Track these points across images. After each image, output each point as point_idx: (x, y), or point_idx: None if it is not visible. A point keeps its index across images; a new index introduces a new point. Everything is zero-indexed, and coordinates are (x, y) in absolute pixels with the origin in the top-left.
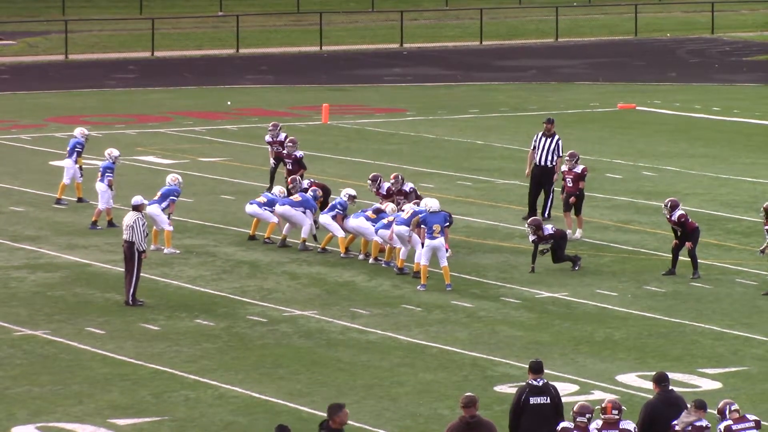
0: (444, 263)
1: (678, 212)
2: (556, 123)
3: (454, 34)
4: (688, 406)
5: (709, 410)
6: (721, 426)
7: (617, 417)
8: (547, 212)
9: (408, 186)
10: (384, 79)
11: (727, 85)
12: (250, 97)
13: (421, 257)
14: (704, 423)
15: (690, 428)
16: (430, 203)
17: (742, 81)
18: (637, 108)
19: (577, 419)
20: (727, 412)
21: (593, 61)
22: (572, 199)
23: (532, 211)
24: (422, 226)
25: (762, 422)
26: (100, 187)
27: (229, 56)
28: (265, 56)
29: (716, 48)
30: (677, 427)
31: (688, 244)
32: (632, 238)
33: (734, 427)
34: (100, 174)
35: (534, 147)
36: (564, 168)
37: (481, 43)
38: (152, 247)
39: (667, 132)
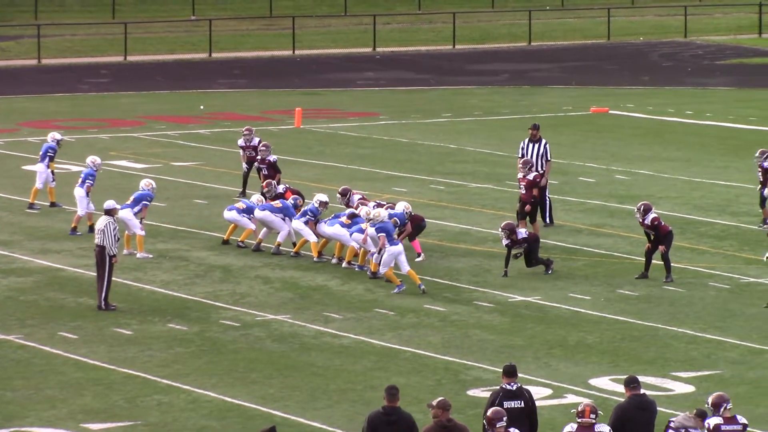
0: (406, 268)
1: (651, 216)
2: (530, 127)
3: (427, 38)
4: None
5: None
6: (710, 422)
7: (593, 420)
8: (548, 218)
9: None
10: (357, 83)
11: (700, 89)
12: (223, 101)
13: (385, 265)
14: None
15: (683, 430)
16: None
17: (714, 85)
18: (610, 112)
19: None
20: (721, 410)
21: (566, 64)
22: (527, 207)
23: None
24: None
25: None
26: (79, 192)
27: (201, 60)
28: (238, 60)
29: (689, 52)
30: (672, 425)
31: (661, 248)
32: (605, 242)
33: (723, 428)
34: (80, 180)
35: (521, 154)
36: (519, 175)
37: (454, 47)
38: (125, 251)
39: (640, 135)
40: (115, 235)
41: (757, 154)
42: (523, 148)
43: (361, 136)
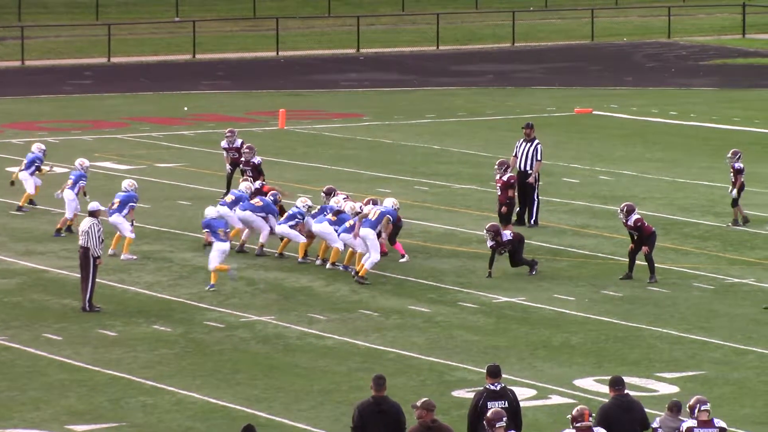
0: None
1: (634, 216)
2: (519, 127)
3: (410, 39)
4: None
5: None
6: (684, 426)
7: (592, 423)
8: (533, 219)
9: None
10: (341, 84)
11: (684, 89)
12: (207, 102)
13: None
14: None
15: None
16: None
17: (698, 85)
18: (593, 112)
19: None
20: (695, 412)
21: (550, 65)
22: (503, 209)
23: (520, 220)
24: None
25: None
26: (69, 195)
27: (185, 62)
28: (222, 62)
29: (673, 52)
30: (660, 430)
31: (644, 249)
32: (589, 243)
33: (696, 431)
34: (71, 182)
35: (515, 154)
36: (496, 176)
37: (437, 48)
38: (110, 251)
39: (624, 136)
40: (99, 237)
41: (729, 155)
42: (517, 147)
43: (345, 137)
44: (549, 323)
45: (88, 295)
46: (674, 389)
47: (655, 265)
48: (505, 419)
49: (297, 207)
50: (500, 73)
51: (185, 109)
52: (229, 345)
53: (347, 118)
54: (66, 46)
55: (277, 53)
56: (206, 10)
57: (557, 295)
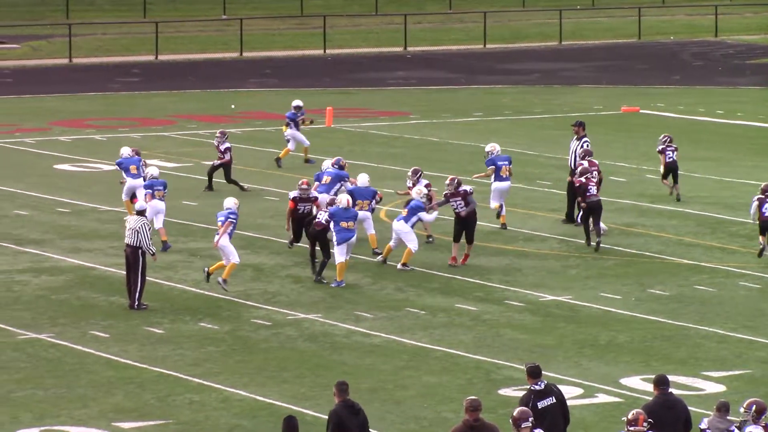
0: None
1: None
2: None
3: (457, 38)
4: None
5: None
6: (750, 430)
7: (646, 428)
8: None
9: (467, 188)
10: (388, 83)
11: (731, 88)
12: (254, 100)
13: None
14: (733, 427)
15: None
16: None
17: (745, 84)
18: (640, 111)
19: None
20: (762, 417)
21: (597, 64)
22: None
23: (569, 218)
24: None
25: None
26: (159, 205)
27: (232, 59)
28: (269, 59)
29: (720, 51)
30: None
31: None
32: (636, 241)
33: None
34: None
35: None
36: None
37: (484, 46)
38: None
39: (671, 135)
40: (149, 235)
41: (662, 138)
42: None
43: (391, 135)
44: (596, 322)
45: (137, 294)
46: (721, 388)
47: (702, 264)
48: (531, 419)
49: (416, 199)
50: (547, 72)
51: (232, 107)
52: (275, 343)
53: (394, 116)
54: (113, 43)
55: (324, 51)
56: (253, 7)
57: (604, 294)
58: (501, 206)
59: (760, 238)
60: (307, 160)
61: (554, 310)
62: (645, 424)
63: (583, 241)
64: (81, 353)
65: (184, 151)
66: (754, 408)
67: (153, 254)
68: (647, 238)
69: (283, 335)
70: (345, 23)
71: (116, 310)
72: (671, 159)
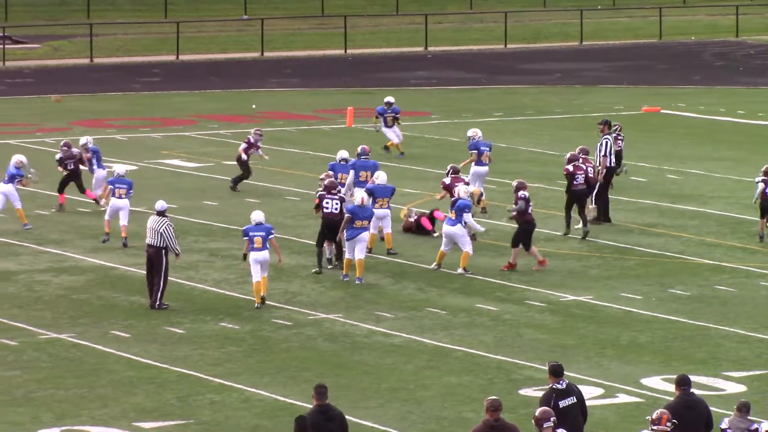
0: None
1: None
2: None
3: (478, 38)
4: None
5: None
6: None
7: (669, 428)
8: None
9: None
10: (408, 83)
11: (752, 89)
12: (275, 100)
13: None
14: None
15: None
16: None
17: (766, 84)
18: (661, 111)
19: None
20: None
21: (617, 64)
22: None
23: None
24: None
25: None
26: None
27: (253, 59)
28: (290, 59)
29: (741, 51)
30: (729, 431)
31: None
32: (657, 242)
33: None
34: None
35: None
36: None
37: (505, 46)
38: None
39: (692, 135)
40: (174, 234)
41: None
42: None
43: (412, 135)
44: (616, 322)
45: (159, 294)
46: (741, 388)
47: (723, 264)
48: (553, 419)
49: (463, 198)
50: (568, 72)
51: (253, 106)
52: (296, 343)
53: (414, 116)
54: (134, 43)
55: (345, 51)
56: (274, 7)
57: (624, 294)
58: (481, 193)
59: (760, 222)
60: (400, 152)
61: (575, 310)
62: (668, 423)
63: (604, 241)
64: (102, 353)
65: (205, 151)
66: None
67: (178, 255)
68: (668, 238)
69: (304, 335)
70: (366, 23)
71: (137, 310)
72: (620, 148)
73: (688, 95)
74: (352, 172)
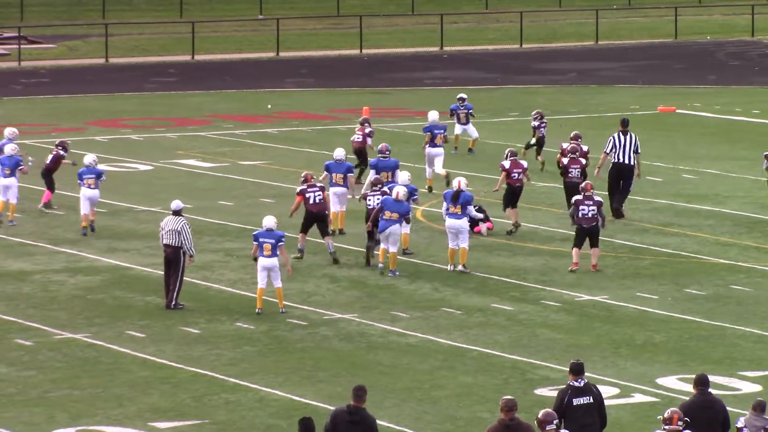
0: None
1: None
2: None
3: (494, 37)
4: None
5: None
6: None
7: (681, 427)
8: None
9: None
10: (424, 82)
11: (767, 88)
12: (291, 100)
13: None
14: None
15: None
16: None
17: None
18: (677, 111)
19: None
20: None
21: (633, 63)
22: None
23: (617, 213)
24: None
25: None
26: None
27: (269, 59)
28: (305, 59)
29: (756, 51)
30: (745, 430)
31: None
32: (672, 241)
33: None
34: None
35: (614, 147)
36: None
37: (521, 46)
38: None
39: (708, 135)
40: (191, 235)
41: (534, 114)
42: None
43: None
44: (632, 322)
45: (175, 294)
46: (757, 388)
47: (739, 263)
48: (555, 421)
49: (464, 191)
50: (583, 72)
51: (269, 106)
52: (311, 343)
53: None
54: (150, 43)
55: (361, 51)
56: (290, 7)
57: (640, 294)
58: (447, 173)
59: None
60: (469, 149)
61: (590, 309)
62: (680, 423)
63: (620, 241)
64: (117, 353)
65: (220, 151)
66: None
67: (191, 256)
68: (683, 238)
69: (319, 335)
70: (381, 23)
71: (152, 310)
72: (542, 135)
73: (704, 95)
74: (372, 171)
